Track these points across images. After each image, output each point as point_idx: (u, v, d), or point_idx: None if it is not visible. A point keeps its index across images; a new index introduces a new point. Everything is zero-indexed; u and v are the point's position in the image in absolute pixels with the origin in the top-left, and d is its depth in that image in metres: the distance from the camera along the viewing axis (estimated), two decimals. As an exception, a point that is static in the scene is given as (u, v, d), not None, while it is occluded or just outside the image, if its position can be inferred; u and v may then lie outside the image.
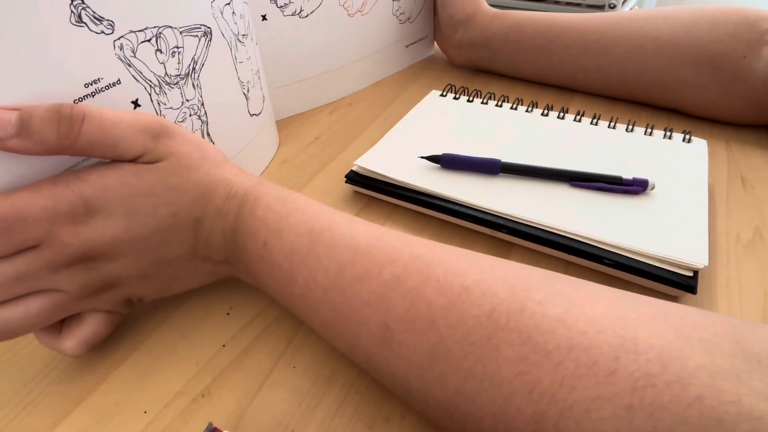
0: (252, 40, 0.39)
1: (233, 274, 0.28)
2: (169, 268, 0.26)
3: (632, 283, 0.30)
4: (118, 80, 0.26)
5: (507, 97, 0.46)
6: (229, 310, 0.30)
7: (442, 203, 0.35)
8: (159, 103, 0.29)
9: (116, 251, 0.24)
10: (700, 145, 0.38)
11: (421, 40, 0.59)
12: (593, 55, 0.47)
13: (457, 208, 0.34)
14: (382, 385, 0.25)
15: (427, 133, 0.42)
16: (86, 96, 0.24)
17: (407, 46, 0.58)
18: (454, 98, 0.46)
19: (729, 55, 0.41)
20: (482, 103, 0.45)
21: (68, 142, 0.21)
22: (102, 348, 0.28)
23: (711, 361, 0.16)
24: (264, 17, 0.43)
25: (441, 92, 0.47)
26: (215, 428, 0.20)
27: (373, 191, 0.38)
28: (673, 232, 0.30)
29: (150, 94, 0.28)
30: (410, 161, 0.38)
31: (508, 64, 0.53)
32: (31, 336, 0.29)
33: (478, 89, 0.47)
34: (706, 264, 0.28)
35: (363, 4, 0.49)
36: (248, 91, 0.38)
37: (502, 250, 0.33)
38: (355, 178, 0.38)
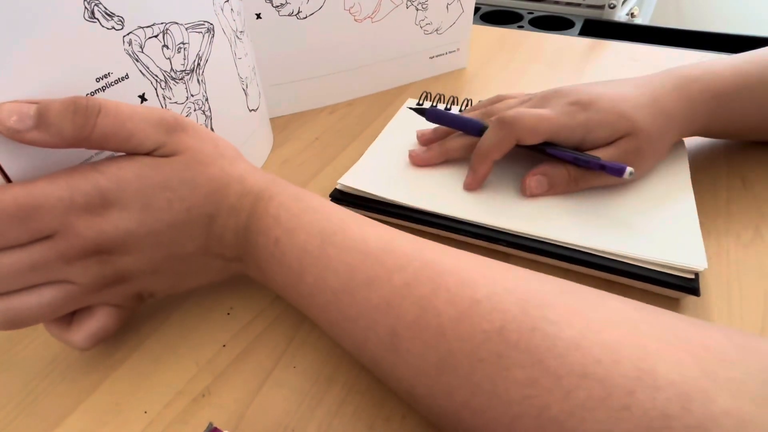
0: (248, 36, 0.39)
1: (244, 271, 0.28)
2: (181, 264, 0.26)
3: (633, 287, 0.30)
4: (126, 75, 0.26)
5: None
6: (229, 310, 0.30)
7: (433, 219, 0.33)
8: (164, 98, 0.29)
9: (130, 245, 0.24)
10: (678, 144, 0.38)
11: (450, 52, 0.56)
12: None
13: (449, 224, 0.33)
14: (386, 385, 0.25)
15: (408, 144, 0.40)
16: (97, 90, 0.24)
17: (431, 58, 0.55)
18: (432, 107, 0.46)
19: None
20: (460, 110, 0.44)
21: (84, 134, 0.21)
22: (102, 348, 0.28)
23: (738, 408, 0.14)
24: (258, 16, 0.43)
25: (417, 100, 0.47)
26: (215, 428, 0.20)
27: (361, 209, 0.35)
28: (669, 238, 0.30)
29: (156, 89, 0.28)
30: (395, 175, 0.37)
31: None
32: (31, 335, 0.29)
33: (454, 96, 0.47)
34: (705, 266, 0.28)
35: (374, 11, 0.48)
36: (247, 87, 0.39)
37: (500, 258, 0.33)
38: (339, 197, 0.36)
